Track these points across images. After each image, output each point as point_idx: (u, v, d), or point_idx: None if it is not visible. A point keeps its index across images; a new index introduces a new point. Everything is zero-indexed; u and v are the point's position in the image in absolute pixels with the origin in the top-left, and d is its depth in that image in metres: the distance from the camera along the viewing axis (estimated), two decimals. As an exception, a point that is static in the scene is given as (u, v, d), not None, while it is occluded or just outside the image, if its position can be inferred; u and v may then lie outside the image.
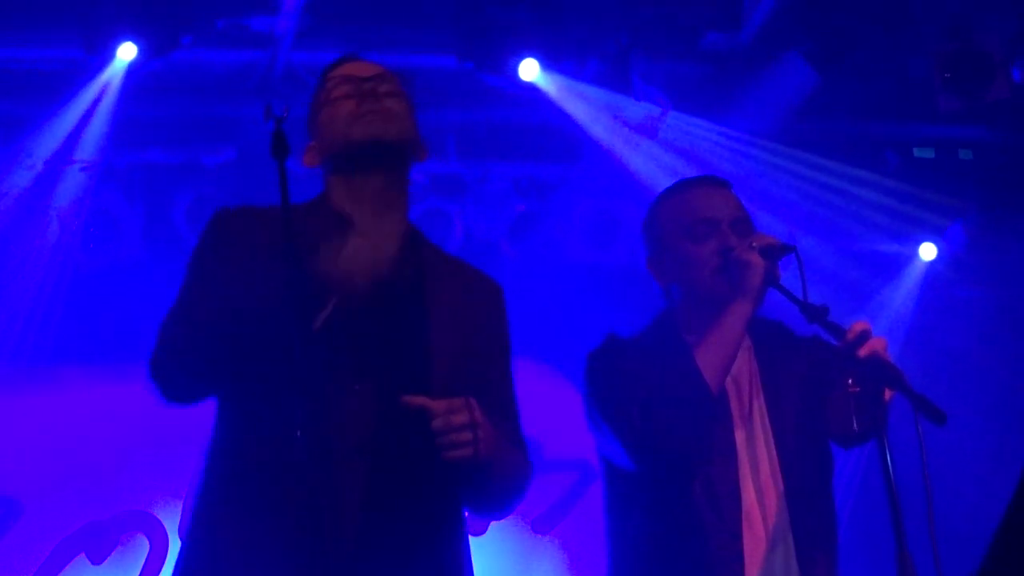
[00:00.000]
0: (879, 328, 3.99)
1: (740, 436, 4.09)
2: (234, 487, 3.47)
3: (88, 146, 7.06)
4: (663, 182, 4.60)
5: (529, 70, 7.06)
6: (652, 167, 7.46)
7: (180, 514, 7.60)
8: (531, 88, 7.18)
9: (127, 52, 6.62)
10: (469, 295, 3.81)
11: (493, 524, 8.19)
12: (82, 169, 7.07)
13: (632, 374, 4.08)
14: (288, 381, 3.24)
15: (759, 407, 4.14)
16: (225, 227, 3.64)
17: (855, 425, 3.89)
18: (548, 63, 7.10)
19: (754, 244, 4.03)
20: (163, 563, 7.53)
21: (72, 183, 7.22)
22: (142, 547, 7.75)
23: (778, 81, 7.24)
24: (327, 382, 3.37)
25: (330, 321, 3.39)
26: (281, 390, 3.27)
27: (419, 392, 3.46)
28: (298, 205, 3.60)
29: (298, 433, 3.23)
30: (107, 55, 6.66)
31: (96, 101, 6.88)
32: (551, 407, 8.36)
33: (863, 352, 3.79)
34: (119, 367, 7.31)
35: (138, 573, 7.69)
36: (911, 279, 8.54)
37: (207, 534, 3.47)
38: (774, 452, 4.09)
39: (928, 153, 8.08)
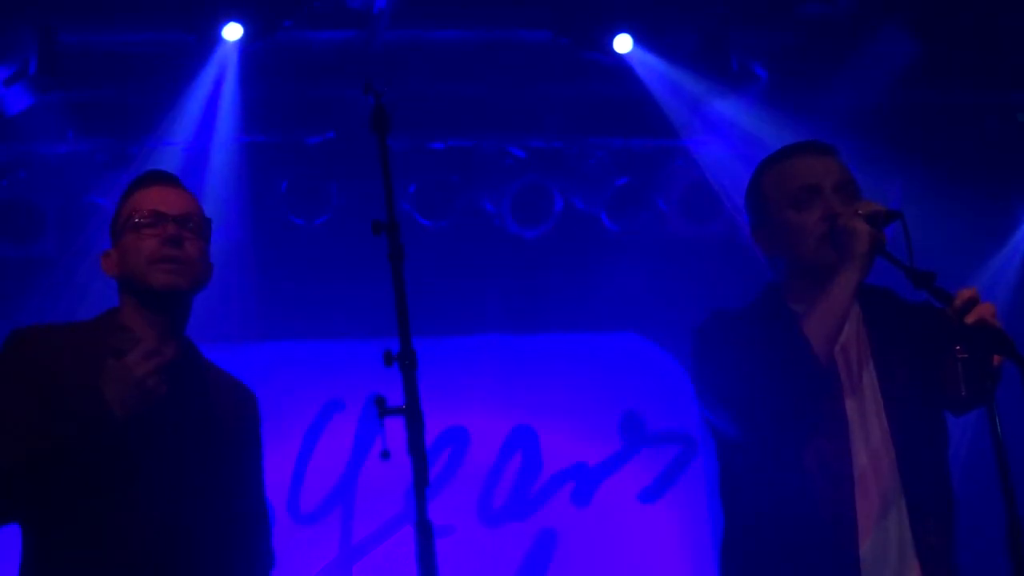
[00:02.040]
0: (987, 295, 3.92)
1: (851, 405, 4.04)
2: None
3: (220, 125, 7.19)
4: (759, 154, 4.55)
5: (623, 44, 7.04)
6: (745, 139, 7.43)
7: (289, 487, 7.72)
8: (627, 62, 7.17)
9: (232, 33, 6.70)
10: (237, 404, 4.04)
11: (602, 495, 8.24)
12: None
13: (740, 348, 4.04)
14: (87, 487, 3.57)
15: (869, 376, 4.10)
16: (25, 348, 3.75)
17: (963, 391, 3.85)
18: (643, 38, 7.08)
19: (860, 211, 3.98)
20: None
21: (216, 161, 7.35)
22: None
23: (878, 50, 7.17)
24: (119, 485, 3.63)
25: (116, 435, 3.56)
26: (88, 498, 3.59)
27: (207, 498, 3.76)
28: (90, 321, 3.90)
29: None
30: (213, 37, 6.73)
31: (217, 82, 6.98)
32: (653, 381, 8.36)
33: (971, 318, 3.74)
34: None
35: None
36: (1017, 245, 8.49)
37: None
38: (885, 420, 4.04)
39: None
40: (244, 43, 6.77)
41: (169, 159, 7.40)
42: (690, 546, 7.85)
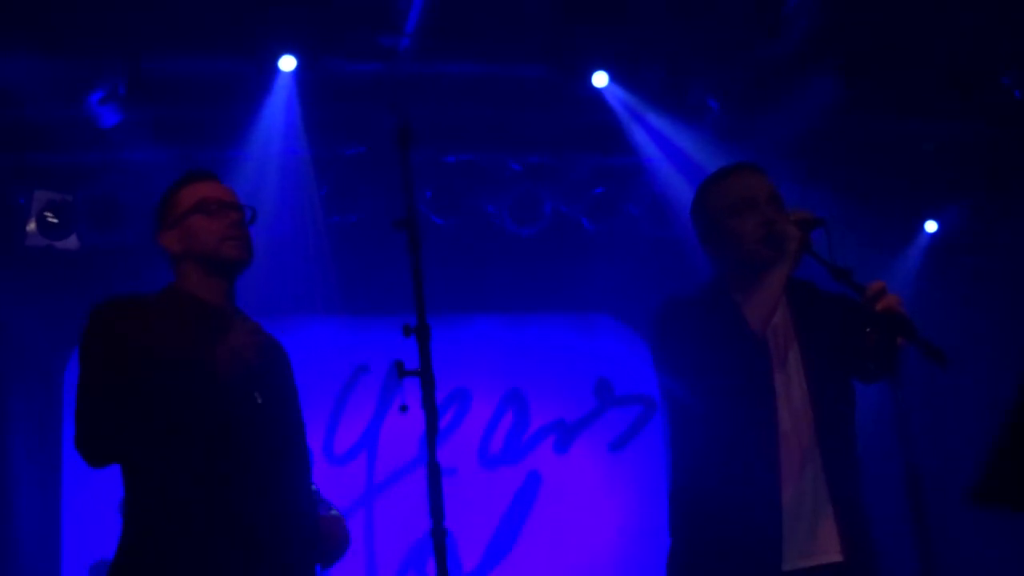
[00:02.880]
0: (893, 287, 3.93)
1: (778, 376, 4.05)
2: (167, 502, 3.61)
3: (275, 140, 7.19)
4: (704, 171, 4.56)
5: (601, 80, 7.06)
6: (698, 158, 7.44)
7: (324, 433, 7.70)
8: (603, 94, 7.19)
9: (287, 64, 6.73)
10: (281, 352, 4.02)
11: (578, 445, 8.27)
12: None
13: (690, 327, 4.06)
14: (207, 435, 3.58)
15: (794, 353, 4.10)
16: (115, 316, 3.75)
17: (872, 365, 3.87)
18: (617, 75, 7.09)
19: (792, 217, 4.00)
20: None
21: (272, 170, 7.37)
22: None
23: (810, 87, 7.17)
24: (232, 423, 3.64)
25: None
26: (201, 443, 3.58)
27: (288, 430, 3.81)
28: (155, 294, 3.90)
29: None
30: (271, 67, 6.76)
31: (274, 104, 6.99)
32: (621, 354, 8.39)
33: (880, 306, 3.77)
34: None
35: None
36: (918, 247, 8.52)
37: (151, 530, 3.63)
38: (805, 388, 4.05)
39: (933, 146, 7.99)
40: (297, 73, 6.78)
41: (233, 168, 7.42)
42: (648, 487, 7.88)
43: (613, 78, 7.09)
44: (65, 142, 7.08)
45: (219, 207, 3.89)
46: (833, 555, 3.95)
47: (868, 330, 3.84)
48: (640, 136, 7.45)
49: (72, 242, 7.38)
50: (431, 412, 3.32)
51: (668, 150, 7.53)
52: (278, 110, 6.98)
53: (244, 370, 3.66)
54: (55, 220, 7.37)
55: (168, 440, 3.57)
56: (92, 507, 7.59)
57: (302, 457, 3.84)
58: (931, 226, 8.47)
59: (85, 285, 7.55)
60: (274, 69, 6.76)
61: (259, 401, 3.68)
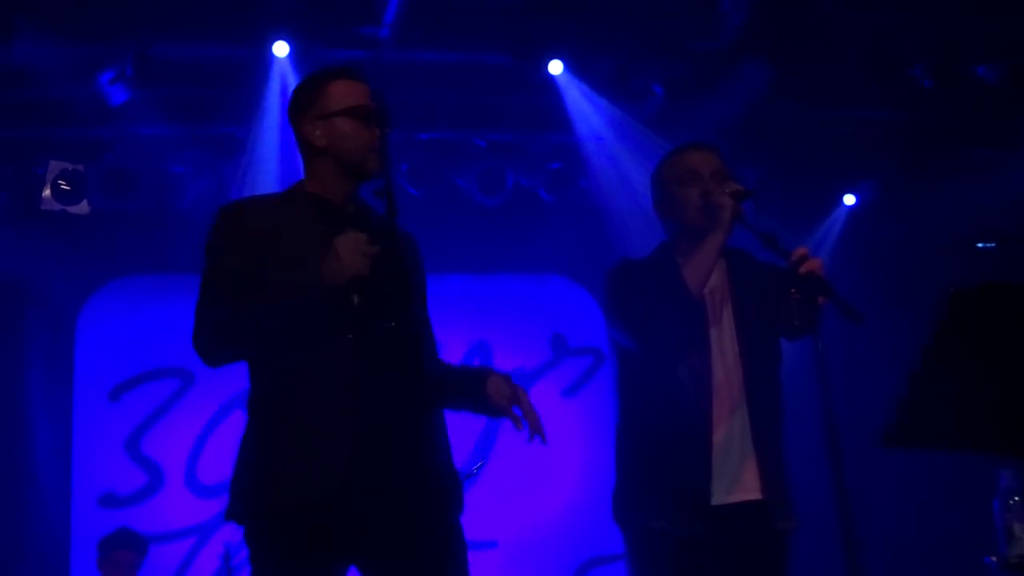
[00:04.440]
0: (815, 252, 3.94)
1: (713, 333, 4.07)
2: (284, 394, 3.42)
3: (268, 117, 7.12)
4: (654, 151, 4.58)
5: (556, 67, 7.04)
6: (643, 138, 7.44)
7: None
8: (558, 80, 7.18)
9: (281, 49, 6.66)
10: (410, 246, 3.77)
11: (536, 390, 8.28)
12: None
13: (638, 285, 4.07)
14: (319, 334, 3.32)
15: (728, 312, 4.12)
16: (236, 220, 3.52)
17: (796, 322, 3.88)
18: (570, 63, 7.08)
19: (727, 190, 4.01)
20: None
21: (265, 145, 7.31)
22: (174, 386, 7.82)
23: (744, 75, 7.17)
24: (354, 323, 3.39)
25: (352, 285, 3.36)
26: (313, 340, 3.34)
27: (406, 322, 3.47)
28: (282, 193, 3.65)
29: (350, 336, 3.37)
30: (265, 51, 6.68)
31: (267, 85, 6.92)
32: (574, 310, 8.39)
33: (803, 269, 3.79)
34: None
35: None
36: (837, 218, 8.55)
37: (268, 420, 3.46)
38: (737, 345, 4.07)
39: (851, 129, 8.01)
40: (291, 58, 6.73)
41: (230, 142, 7.39)
42: (597, 429, 7.89)
43: (567, 66, 7.07)
44: (78, 118, 7.02)
45: (371, 117, 3.56)
46: (754, 493, 3.98)
47: (792, 291, 3.84)
48: (592, 118, 7.44)
49: (83, 207, 7.33)
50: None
51: (616, 131, 7.52)
52: (274, 91, 6.93)
53: (343, 274, 3.31)
54: (68, 188, 7.31)
55: (270, 342, 3.39)
56: (100, 443, 7.58)
57: (412, 358, 3.40)
58: (849, 199, 8.51)
59: (95, 245, 7.57)
60: (269, 54, 6.70)
61: (355, 302, 3.36)
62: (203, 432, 7.72)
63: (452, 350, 8.38)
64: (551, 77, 7.12)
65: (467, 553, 3.45)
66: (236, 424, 7.68)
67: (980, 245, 7.10)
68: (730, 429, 3.99)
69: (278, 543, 3.33)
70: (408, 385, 3.37)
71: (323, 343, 3.34)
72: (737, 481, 3.97)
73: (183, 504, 7.62)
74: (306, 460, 3.30)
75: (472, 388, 3.60)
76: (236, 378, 7.69)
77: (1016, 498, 4.54)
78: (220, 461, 7.65)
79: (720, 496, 3.94)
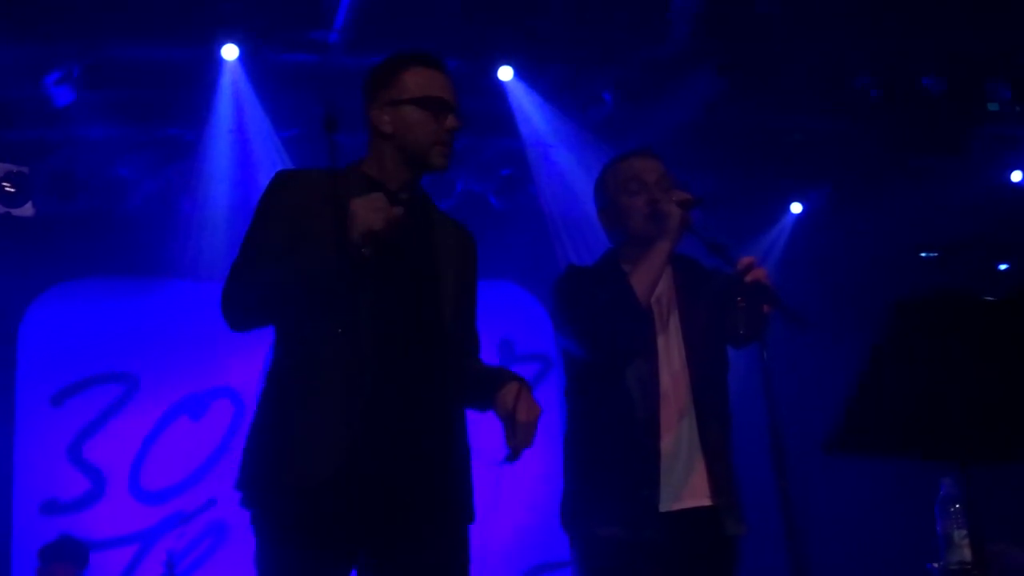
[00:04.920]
0: (761, 261, 3.97)
1: (660, 340, 4.09)
2: (298, 372, 3.35)
3: (218, 119, 7.11)
4: (603, 158, 4.60)
5: (506, 74, 7.05)
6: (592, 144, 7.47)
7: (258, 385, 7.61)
8: (507, 87, 7.19)
9: (230, 53, 6.62)
10: (460, 242, 3.67)
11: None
12: None
13: (586, 293, 4.07)
14: (334, 304, 3.22)
15: (675, 319, 4.14)
16: (284, 187, 3.46)
17: (742, 331, 3.91)
18: (521, 70, 7.09)
19: (674, 198, 4.03)
20: (242, 422, 7.57)
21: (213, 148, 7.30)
22: (227, 410, 7.78)
23: (693, 84, 7.22)
24: (370, 304, 3.30)
25: (371, 260, 3.25)
26: (328, 312, 3.24)
27: (430, 313, 3.40)
28: (341, 168, 3.48)
29: (339, 330, 3.22)
30: (214, 55, 6.65)
31: (217, 87, 6.89)
32: (522, 317, 8.40)
33: (750, 278, 3.82)
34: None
35: (225, 428, 7.73)
36: (784, 226, 8.61)
37: (279, 400, 3.38)
38: (684, 352, 4.09)
39: (798, 137, 8.08)
40: (240, 61, 6.70)
41: (177, 145, 7.35)
42: (545, 436, 7.89)
43: (517, 73, 7.09)
44: (23, 119, 6.97)
45: (444, 109, 3.49)
46: (703, 499, 4.00)
47: (739, 299, 3.87)
48: (542, 124, 7.46)
49: (27, 210, 7.26)
50: None
51: (566, 137, 7.55)
52: (223, 94, 6.90)
53: (356, 228, 3.20)
54: (12, 190, 7.24)
55: (283, 301, 3.33)
56: (43, 449, 7.52)
57: (435, 352, 3.39)
58: (796, 208, 8.57)
59: (39, 248, 7.51)
60: (218, 57, 6.67)
61: (366, 254, 3.20)
62: (147, 438, 7.68)
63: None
64: (501, 83, 7.13)
65: (468, 565, 3.40)
66: (181, 430, 7.72)
67: (924, 254, 7.21)
68: (678, 436, 4.01)
69: (279, 528, 3.28)
70: (427, 378, 3.35)
71: (338, 311, 3.23)
72: (685, 487, 3.99)
73: (126, 511, 7.56)
74: (307, 442, 3.23)
75: (486, 393, 3.50)
76: (181, 383, 7.71)
77: (956, 505, 4.60)
78: (164, 467, 7.62)
79: (668, 502, 3.95)
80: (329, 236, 3.22)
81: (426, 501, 3.32)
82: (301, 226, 3.34)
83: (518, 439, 3.37)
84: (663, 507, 3.94)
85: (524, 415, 3.36)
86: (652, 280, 3.98)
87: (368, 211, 3.21)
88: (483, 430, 3.61)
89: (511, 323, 8.48)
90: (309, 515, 3.21)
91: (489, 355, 8.63)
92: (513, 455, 3.38)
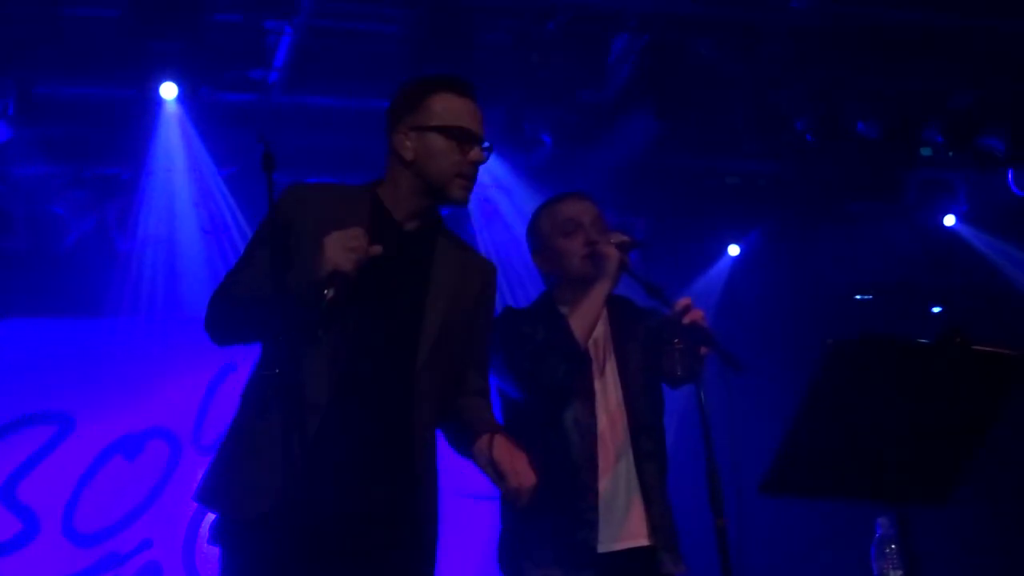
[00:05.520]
0: (699, 302, 3.98)
1: (597, 382, 4.09)
2: (259, 410, 3.29)
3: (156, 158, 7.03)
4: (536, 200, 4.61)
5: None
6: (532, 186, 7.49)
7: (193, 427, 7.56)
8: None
9: (169, 92, 6.53)
10: (467, 278, 3.54)
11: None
12: None
13: (524, 335, 4.06)
14: (302, 337, 3.15)
15: (611, 361, 4.15)
16: (294, 203, 3.32)
17: (679, 372, 3.91)
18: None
19: (612, 240, 4.04)
20: (178, 463, 7.49)
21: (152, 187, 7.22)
22: (163, 451, 7.69)
23: (630, 127, 7.26)
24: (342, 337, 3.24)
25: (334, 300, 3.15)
26: (287, 348, 3.14)
27: (402, 353, 3.30)
28: (356, 187, 3.47)
29: (276, 371, 3.13)
30: (152, 94, 6.57)
31: (155, 126, 6.82)
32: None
33: (687, 319, 3.83)
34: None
35: (161, 469, 7.64)
36: (722, 268, 8.66)
37: (236, 431, 3.35)
38: (621, 393, 4.10)
39: (735, 180, 8.14)
40: (179, 100, 6.65)
41: (114, 183, 7.30)
42: (483, 478, 7.87)
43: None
44: (-45, 157, 6.90)
45: (470, 140, 3.38)
46: (641, 539, 4.00)
47: (676, 340, 3.88)
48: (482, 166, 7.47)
49: (-39, 248, 7.19)
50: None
51: (505, 179, 7.56)
52: (162, 133, 6.85)
53: (323, 267, 3.10)
54: (-57, 228, 7.18)
55: (252, 337, 3.29)
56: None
57: (404, 392, 3.30)
58: (734, 250, 8.62)
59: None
60: (156, 97, 6.62)
61: (327, 295, 3.09)
62: (81, 479, 7.55)
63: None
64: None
65: None
66: (116, 470, 7.59)
67: (858, 297, 7.29)
68: (615, 477, 4.01)
69: (236, 555, 3.24)
70: (385, 420, 3.28)
71: (301, 344, 3.15)
72: (623, 528, 3.99)
73: (60, 552, 7.43)
74: (247, 473, 3.20)
75: (466, 446, 3.48)
76: (116, 423, 7.60)
77: (892, 546, 4.63)
78: (98, 508, 7.50)
79: (607, 544, 3.96)
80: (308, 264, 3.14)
81: (372, 543, 3.27)
82: (299, 246, 3.23)
83: (508, 485, 3.32)
84: (601, 548, 3.94)
85: (507, 465, 3.32)
86: (591, 322, 3.99)
87: (338, 250, 3.12)
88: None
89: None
90: (254, 545, 3.16)
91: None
92: (517, 499, 3.35)
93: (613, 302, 4.15)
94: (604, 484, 3.98)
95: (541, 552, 3.97)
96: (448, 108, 3.41)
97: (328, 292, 3.11)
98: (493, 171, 7.47)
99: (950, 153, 7.71)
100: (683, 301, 3.86)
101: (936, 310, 8.67)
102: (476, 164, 3.41)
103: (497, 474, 3.33)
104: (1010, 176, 7.99)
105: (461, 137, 3.38)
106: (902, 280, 8.61)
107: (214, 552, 3.31)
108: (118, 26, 6.09)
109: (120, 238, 7.44)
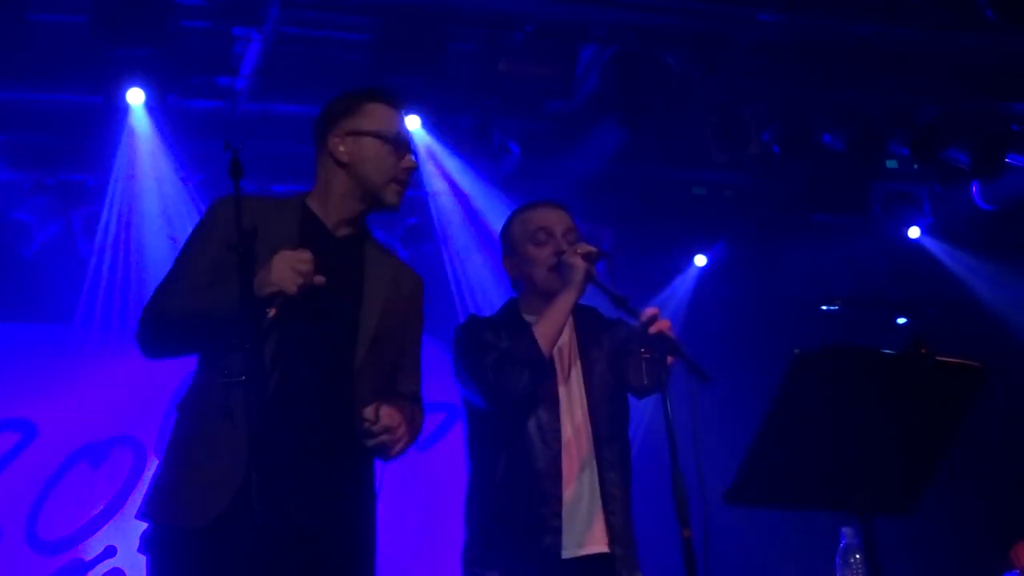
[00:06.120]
0: (665, 312, 3.99)
1: (562, 390, 4.10)
2: (200, 420, 3.31)
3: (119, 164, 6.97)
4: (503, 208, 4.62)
5: (413, 123, 7.03)
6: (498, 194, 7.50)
7: (157, 435, 7.50)
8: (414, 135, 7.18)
9: (135, 97, 6.48)
10: (396, 284, 3.57)
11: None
12: None
13: (488, 343, 4.07)
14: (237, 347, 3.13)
15: (576, 370, 4.16)
16: (222, 215, 3.31)
17: (645, 381, 3.93)
18: (428, 118, 7.08)
19: (579, 251, 4.05)
20: (143, 471, 7.44)
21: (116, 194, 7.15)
22: (127, 458, 7.65)
23: (597, 136, 7.28)
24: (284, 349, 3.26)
25: (286, 308, 3.19)
26: (231, 353, 3.15)
27: (341, 358, 3.33)
28: (283, 199, 3.51)
29: (243, 377, 3.11)
30: (118, 100, 6.51)
31: (118, 133, 6.77)
32: (428, 366, 8.33)
33: (653, 329, 3.82)
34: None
35: (124, 476, 7.59)
36: (688, 279, 8.67)
37: (179, 440, 3.34)
38: (586, 403, 4.12)
39: (702, 191, 8.17)
40: (145, 107, 6.61)
41: (79, 190, 7.26)
42: (450, 486, 7.85)
43: (425, 122, 7.09)
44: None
45: (403, 147, 3.46)
46: (601, 546, 4.01)
47: (642, 350, 3.89)
48: (448, 174, 7.47)
49: (-73, 254, 7.14)
50: None
51: (471, 188, 7.56)
52: (128, 139, 6.81)
53: (266, 286, 3.14)
54: (-93, 235, 7.13)
55: (186, 341, 3.31)
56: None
57: (341, 399, 3.33)
58: (701, 260, 8.63)
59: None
60: (122, 103, 6.57)
61: (269, 315, 3.15)
62: (45, 487, 7.50)
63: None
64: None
65: None
66: (79, 478, 7.53)
67: (824, 307, 7.31)
68: (579, 486, 4.03)
69: (158, 560, 3.26)
70: (328, 423, 3.30)
71: (241, 357, 3.14)
72: (587, 535, 4.00)
73: (22, 560, 7.37)
74: (192, 485, 3.21)
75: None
76: (81, 431, 7.55)
77: (856, 555, 4.64)
78: (61, 516, 7.45)
79: (571, 549, 3.97)
80: (244, 274, 3.15)
81: (315, 543, 3.27)
82: (230, 257, 3.21)
83: (376, 438, 3.30)
84: (566, 554, 3.95)
85: (387, 419, 3.29)
86: (555, 331, 3.99)
87: (286, 271, 3.16)
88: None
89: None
90: (193, 554, 3.17)
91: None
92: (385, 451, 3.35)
93: (579, 311, 4.16)
94: (568, 491, 3.99)
95: (503, 558, 3.98)
96: (384, 116, 3.50)
97: (271, 311, 3.16)
98: (460, 177, 7.48)
99: (915, 166, 7.76)
100: (650, 311, 3.86)
101: (901, 321, 8.71)
102: (409, 171, 3.50)
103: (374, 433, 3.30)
104: (974, 189, 8.04)
105: (397, 143, 3.47)
106: (868, 291, 8.66)
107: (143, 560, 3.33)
108: (84, 32, 6.05)
109: (85, 245, 7.39)
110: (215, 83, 6.69)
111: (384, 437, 3.29)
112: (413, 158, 3.50)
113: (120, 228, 7.29)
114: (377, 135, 3.46)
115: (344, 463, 3.36)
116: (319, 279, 3.21)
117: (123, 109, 6.63)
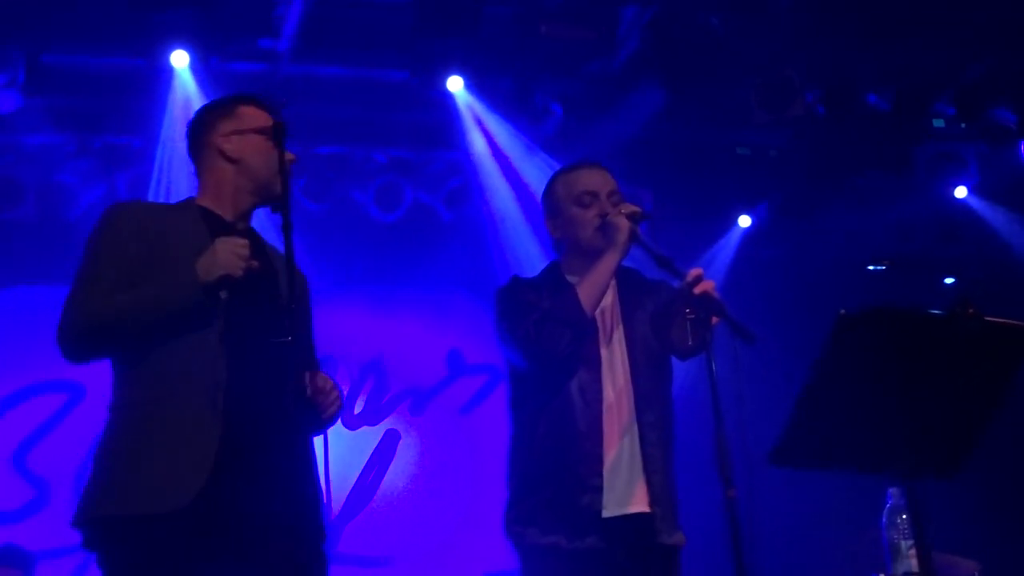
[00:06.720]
0: (709, 274, 3.97)
1: (604, 351, 4.08)
2: (152, 409, 3.36)
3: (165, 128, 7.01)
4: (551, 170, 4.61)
5: (455, 84, 7.02)
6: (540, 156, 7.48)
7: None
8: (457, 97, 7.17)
9: (180, 60, 6.53)
10: (287, 265, 3.55)
11: (432, 408, 8.22)
12: None
13: (530, 303, 4.06)
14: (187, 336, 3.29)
15: (619, 332, 4.14)
16: (123, 220, 3.47)
17: (690, 341, 3.91)
18: (471, 80, 7.07)
19: (623, 211, 4.03)
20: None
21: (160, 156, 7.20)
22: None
23: (639, 97, 7.24)
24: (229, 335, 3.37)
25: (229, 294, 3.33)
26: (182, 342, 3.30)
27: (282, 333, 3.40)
28: (174, 205, 3.63)
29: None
30: (163, 62, 6.56)
31: (163, 96, 6.82)
32: (472, 327, 8.37)
33: (697, 290, 3.81)
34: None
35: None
36: (731, 240, 8.63)
37: (132, 432, 3.39)
38: (627, 364, 4.10)
39: (746, 152, 8.11)
40: (190, 70, 6.63)
41: (124, 152, 7.29)
42: (493, 446, 7.86)
43: (467, 84, 7.06)
44: (-36, 125, 6.90)
45: (281, 140, 3.53)
46: (643, 507, 4.00)
47: (687, 311, 3.87)
48: (491, 135, 7.46)
49: (-30, 216, 7.20)
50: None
51: (515, 149, 7.54)
52: (173, 102, 6.83)
53: (215, 270, 3.29)
54: (-48, 196, 7.19)
55: (136, 336, 3.35)
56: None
57: (288, 379, 3.38)
58: (745, 221, 8.58)
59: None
60: (166, 66, 6.59)
61: (223, 297, 3.31)
62: (92, 447, 7.59)
63: (345, 367, 8.34)
64: (450, 94, 7.11)
65: None
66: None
67: (871, 267, 7.26)
68: (620, 447, 4.01)
69: (127, 552, 3.28)
70: (280, 405, 3.36)
71: (190, 343, 3.31)
72: (628, 495, 3.99)
73: (70, 520, 7.46)
74: (161, 469, 3.25)
75: None
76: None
77: (903, 516, 4.61)
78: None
79: (612, 508, 3.96)
80: (177, 269, 3.30)
81: (286, 531, 3.34)
82: (148, 257, 3.38)
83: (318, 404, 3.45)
84: (606, 513, 3.95)
85: (321, 383, 3.45)
86: (599, 292, 3.98)
87: (230, 255, 3.31)
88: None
89: (461, 333, 8.45)
90: (157, 541, 3.22)
91: (438, 365, 8.63)
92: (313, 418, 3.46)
93: (622, 273, 4.14)
94: (610, 452, 3.99)
95: (545, 519, 3.98)
96: (258, 115, 3.62)
97: (223, 293, 3.31)
98: (503, 139, 7.46)
99: (962, 125, 7.67)
100: (694, 271, 3.84)
101: (948, 282, 8.64)
102: (290, 163, 3.53)
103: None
104: (1021, 148, 7.94)
105: (275, 137, 3.54)
106: (913, 252, 8.59)
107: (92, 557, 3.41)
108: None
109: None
110: (257, 45, 6.69)
111: (322, 399, 3.45)
112: (292, 153, 3.57)
113: (164, 191, 7.32)
114: (260, 131, 3.57)
115: (296, 438, 3.45)
116: (254, 263, 3.36)
117: (167, 72, 6.65)
